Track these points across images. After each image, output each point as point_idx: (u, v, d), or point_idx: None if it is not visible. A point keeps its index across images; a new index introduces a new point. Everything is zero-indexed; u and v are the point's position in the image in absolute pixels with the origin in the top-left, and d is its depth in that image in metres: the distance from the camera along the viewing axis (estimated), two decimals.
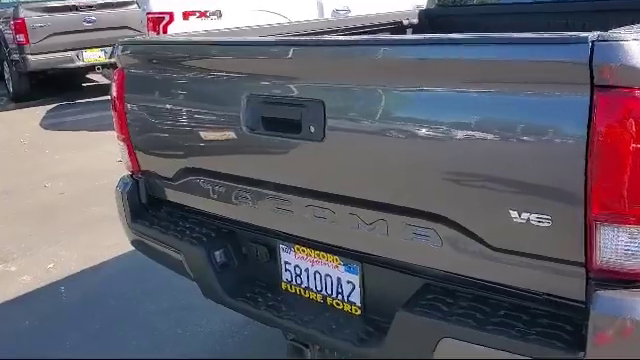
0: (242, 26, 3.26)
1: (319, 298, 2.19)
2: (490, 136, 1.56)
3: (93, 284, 4.00)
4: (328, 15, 8.23)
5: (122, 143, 2.62)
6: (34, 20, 10.15)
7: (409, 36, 1.74)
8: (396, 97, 1.75)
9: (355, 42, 1.92)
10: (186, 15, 8.00)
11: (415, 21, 3.97)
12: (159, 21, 7.89)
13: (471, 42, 1.61)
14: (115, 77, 2.55)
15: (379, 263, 1.98)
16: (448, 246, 1.73)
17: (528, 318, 1.64)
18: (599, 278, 1.50)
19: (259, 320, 2.27)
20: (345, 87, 1.83)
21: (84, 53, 10.44)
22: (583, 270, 1.51)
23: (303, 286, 2.22)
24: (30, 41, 10.11)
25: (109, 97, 2.60)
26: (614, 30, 1.46)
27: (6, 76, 11.16)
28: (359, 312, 2.08)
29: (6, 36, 10.66)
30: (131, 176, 2.68)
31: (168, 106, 2.38)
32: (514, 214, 1.56)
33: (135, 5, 10.17)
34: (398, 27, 3.86)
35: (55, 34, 10.24)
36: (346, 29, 3.54)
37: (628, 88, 1.37)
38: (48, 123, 9.15)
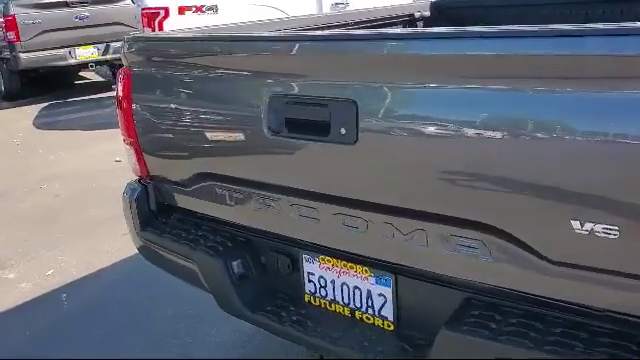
0: (247, 21, 3.10)
1: (346, 312, 2.04)
2: (550, 138, 1.41)
3: (95, 290, 3.83)
4: (327, 9, 8.09)
5: (129, 147, 2.45)
6: (25, 17, 9.95)
7: (456, 29, 1.57)
8: (440, 96, 1.60)
9: (393, 36, 1.75)
10: (181, 10, 7.84)
11: (427, 14, 3.84)
12: (154, 16, 7.72)
13: (542, 35, 1.44)
14: (121, 76, 2.38)
15: (416, 275, 1.83)
16: (498, 259, 1.59)
17: (587, 336, 1.51)
18: None
19: (283, 337, 2.12)
20: (380, 85, 1.67)
21: (77, 50, 10.29)
22: None
23: (328, 299, 2.08)
24: (21, 38, 9.93)
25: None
26: None
27: None
28: (392, 327, 1.94)
29: None
30: (139, 181, 2.52)
31: (180, 107, 2.22)
32: (576, 224, 1.42)
33: (129, 0, 10.00)
34: (410, 20, 3.73)
35: (47, 31, 10.07)
36: (358, 22, 3.39)
37: None
38: (41, 122, 8.95)
